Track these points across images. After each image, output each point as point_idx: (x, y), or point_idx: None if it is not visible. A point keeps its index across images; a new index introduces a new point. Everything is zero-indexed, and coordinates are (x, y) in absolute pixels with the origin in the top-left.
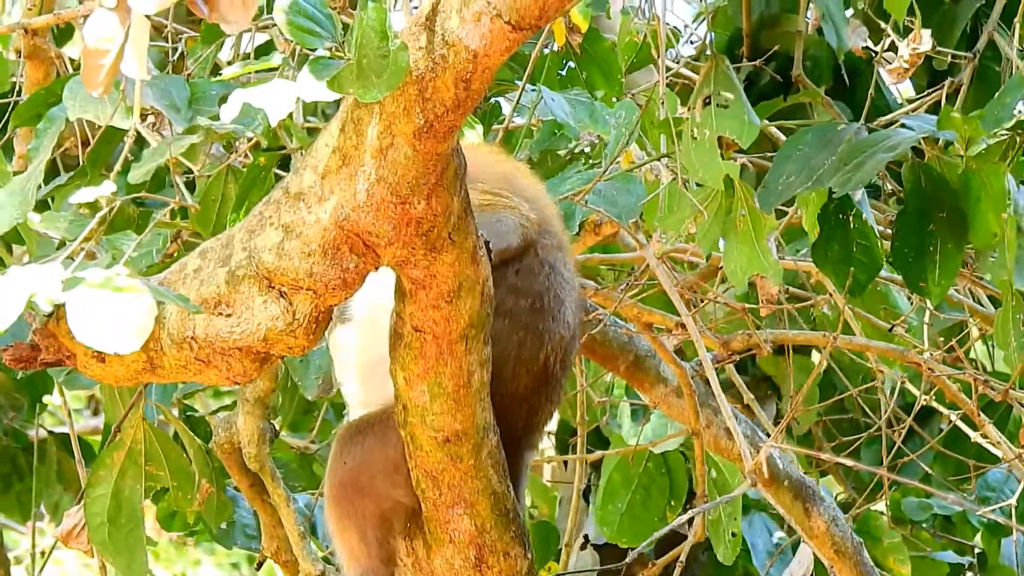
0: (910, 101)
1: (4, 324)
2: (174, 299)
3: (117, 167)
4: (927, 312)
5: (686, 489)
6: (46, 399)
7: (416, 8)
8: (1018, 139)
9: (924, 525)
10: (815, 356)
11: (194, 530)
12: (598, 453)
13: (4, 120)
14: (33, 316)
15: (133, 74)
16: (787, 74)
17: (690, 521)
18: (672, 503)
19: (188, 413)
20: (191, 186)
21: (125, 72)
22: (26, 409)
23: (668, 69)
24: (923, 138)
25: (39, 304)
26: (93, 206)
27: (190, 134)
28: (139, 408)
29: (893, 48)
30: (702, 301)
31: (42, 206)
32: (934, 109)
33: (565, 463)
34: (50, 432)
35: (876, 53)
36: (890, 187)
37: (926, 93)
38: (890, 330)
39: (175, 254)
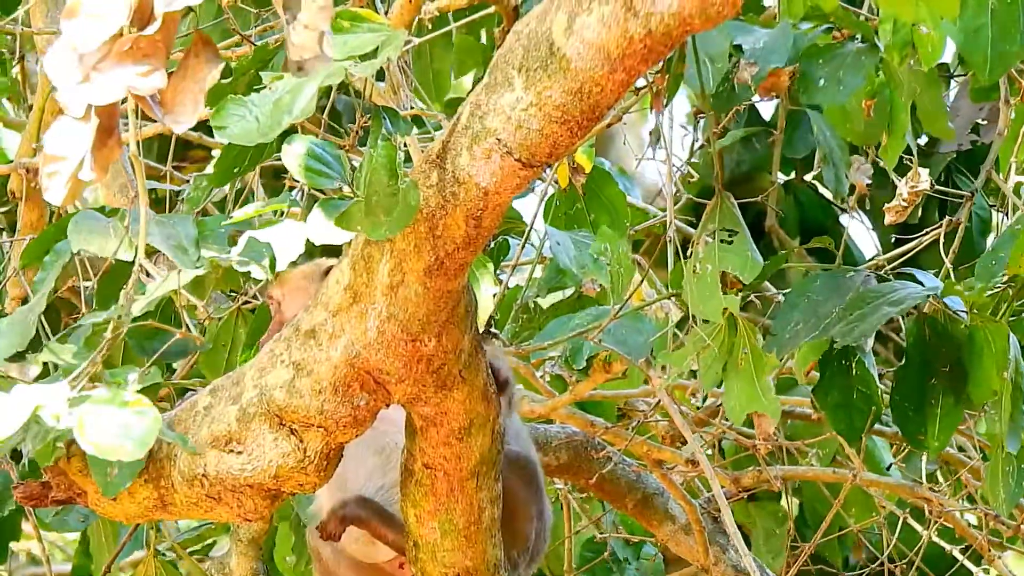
0: (889, 248)
1: (4, 433)
2: (174, 438)
3: (122, 300)
4: None
5: None
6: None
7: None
8: (1010, 291)
9: None
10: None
11: None
12: None
13: None
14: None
15: (88, 178)
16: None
17: None
18: None
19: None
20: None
21: (82, 178)
22: None
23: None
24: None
25: (45, 419)
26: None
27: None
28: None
29: (860, 201)
30: (711, 436)
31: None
32: (918, 255)
33: None
34: None
35: (845, 209)
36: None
37: (923, 232)
38: (888, 468)
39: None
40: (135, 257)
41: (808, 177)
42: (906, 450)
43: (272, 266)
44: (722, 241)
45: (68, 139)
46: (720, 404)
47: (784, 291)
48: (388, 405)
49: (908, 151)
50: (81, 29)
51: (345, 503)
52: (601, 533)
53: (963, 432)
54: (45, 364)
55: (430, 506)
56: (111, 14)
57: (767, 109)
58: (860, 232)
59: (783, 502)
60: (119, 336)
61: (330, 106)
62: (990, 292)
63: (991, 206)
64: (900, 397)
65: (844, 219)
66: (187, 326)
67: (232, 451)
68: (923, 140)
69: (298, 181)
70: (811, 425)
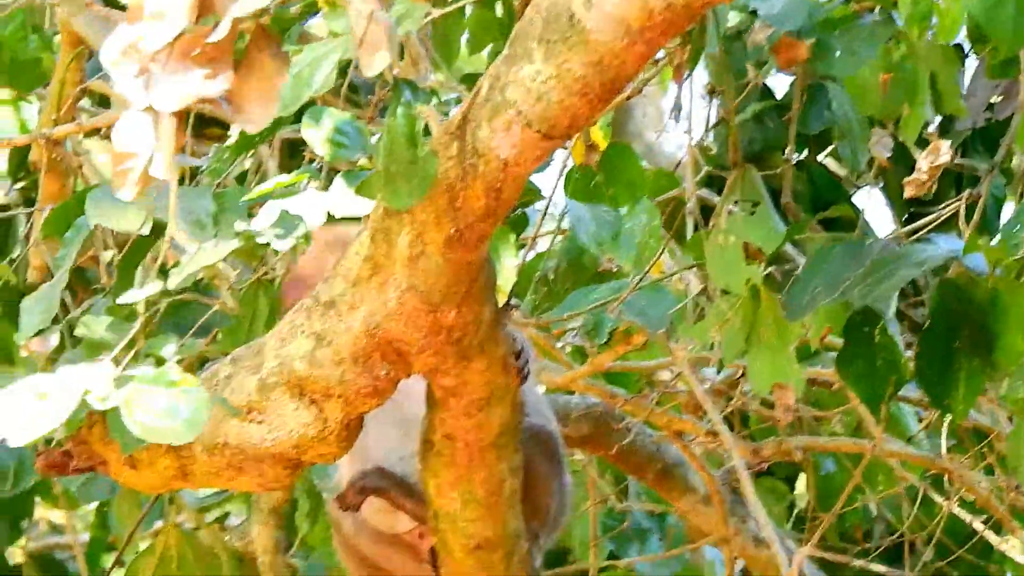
0: (908, 221)
1: (57, 421)
2: (217, 401)
3: (154, 273)
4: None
5: None
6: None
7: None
8: None
9: None
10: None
11: None
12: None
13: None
14: None
15: (161, 175)
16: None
17: None
18: None
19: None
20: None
21: (153, 174)
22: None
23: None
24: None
25: (91, 403)
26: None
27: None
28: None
29: (877, 174)
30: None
31: None
32: (933, 231)
33: None
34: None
35: (859, 186)
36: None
37: (944, 206)
38: (909, 440)
39: None
40: (167, 230)
41: (822, 156)
42: (929, 420)
43: (307, 239)
44: (745, 212)
45: (136, 134)
46: (740, 375)
47: (804, 260)
48: (408, 375)
49: (925, 126)
50: (144, 31)
51: (364, 474)
52: (621, 503)
53: (987, 398)
54: (62, 335)
55: (450, 477)
56: (173, 14)
57: (780, 88)
58: (873, 210)
59: (801, 475)
60: (158, 311)
61: (347, 81)
62: (1013, 258)
63: (1004, 184)
64: (925, 361)
65: (856, 198)
66: (224, 292)
67: (253, 421)
68: (938, 118)
69: (317, 154)
70: (832, 394)
